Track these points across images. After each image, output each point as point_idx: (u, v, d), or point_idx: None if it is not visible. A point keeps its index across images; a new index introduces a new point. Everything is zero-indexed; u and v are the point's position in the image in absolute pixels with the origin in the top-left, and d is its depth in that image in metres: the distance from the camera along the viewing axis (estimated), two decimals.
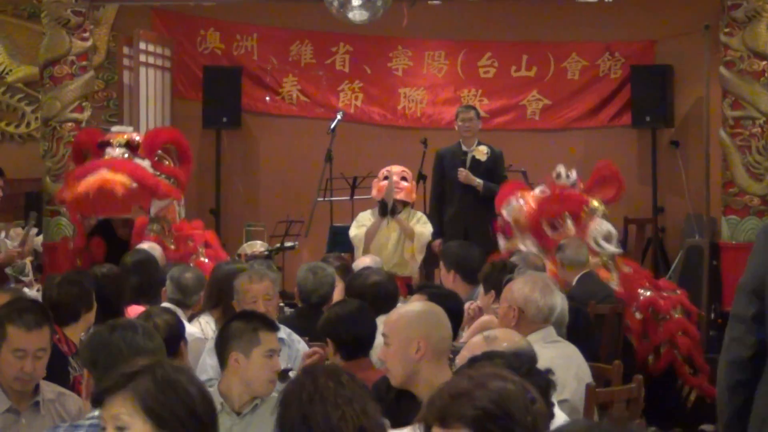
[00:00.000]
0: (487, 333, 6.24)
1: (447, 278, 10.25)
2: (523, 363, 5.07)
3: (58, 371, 6.92)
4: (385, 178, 13.47)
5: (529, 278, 8.12)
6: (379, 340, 7.09)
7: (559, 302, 7.84)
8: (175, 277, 9.34)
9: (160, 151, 12.86)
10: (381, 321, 6.90)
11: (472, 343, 6.07)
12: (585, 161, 17.44)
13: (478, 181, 14.06)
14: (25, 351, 6.32)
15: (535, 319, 7.46)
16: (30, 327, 6.37)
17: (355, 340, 7.06)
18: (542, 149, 17.36)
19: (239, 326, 6.72)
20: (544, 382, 5.01)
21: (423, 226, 13.25)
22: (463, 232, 13.62)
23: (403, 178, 13.51)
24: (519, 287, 7.87)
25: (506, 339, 6.03)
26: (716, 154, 15.52)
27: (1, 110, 17.70)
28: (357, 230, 13.28)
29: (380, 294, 8.87)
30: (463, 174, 14.09)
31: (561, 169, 13.11)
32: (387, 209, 13.13)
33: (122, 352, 5.32)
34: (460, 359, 5.84)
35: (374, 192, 13.67)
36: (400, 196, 13.25)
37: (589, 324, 10.10)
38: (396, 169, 13.68)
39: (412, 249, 13.18)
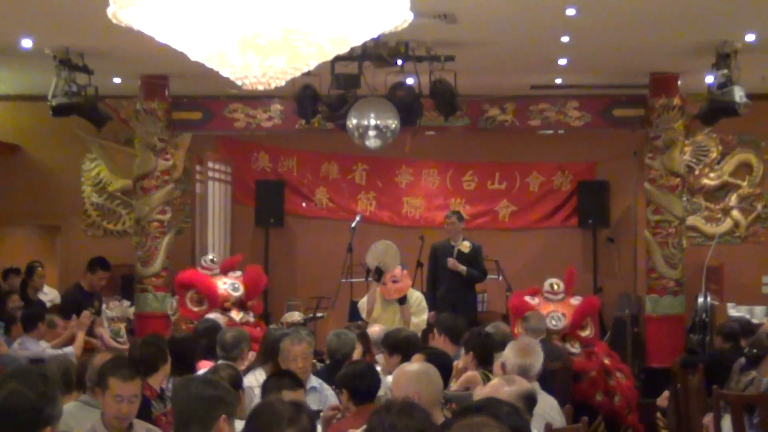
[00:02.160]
0: (505, 378, 6.32)
1: (438, 341, 10.19)
2: (515, 416, 5.05)
3: (144, 410, 6.92)
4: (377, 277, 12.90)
5: (515, 342, 8.19)
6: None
7: (540, 362, 7.89)
8: (219, 338, 9.34)
9: None
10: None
11: (493, 385, 6.12)
12: (542, 253, 17.50)
13: (462, 268, 14.08)
14: (122, 397, 6.33)
15: (512, 372, 7.46)
16: (126, 378, 6.38)
17: (364, 390, 7.05)
18: (511, 244, 17.38)
19: (270, 385, 6.88)
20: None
21: (419, 317, 12.95)
22: (452, 305, 13.59)
23: (395, 281, 12.85)
24: (507, 347, 7.96)
25: (519, 382, 6.11)
26: (642, 248, 15.58)
27: (104, 212, 17.75)
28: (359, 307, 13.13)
29: (410, 344, 8.98)
30: (451, 262, 14.11)
31: (553, 282, 13.11)
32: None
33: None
34: (484, 395, 5.92)
35: (385, 294, 12.88)
36: (396, 297, 12.92)
37: (545, 377, 10.07)
38: (388, 275, 12.86)
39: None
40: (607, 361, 12.37)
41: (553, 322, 12.52)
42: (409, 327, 12.61)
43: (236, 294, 12.99)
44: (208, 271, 13.27)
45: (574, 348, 12.62)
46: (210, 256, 13.58)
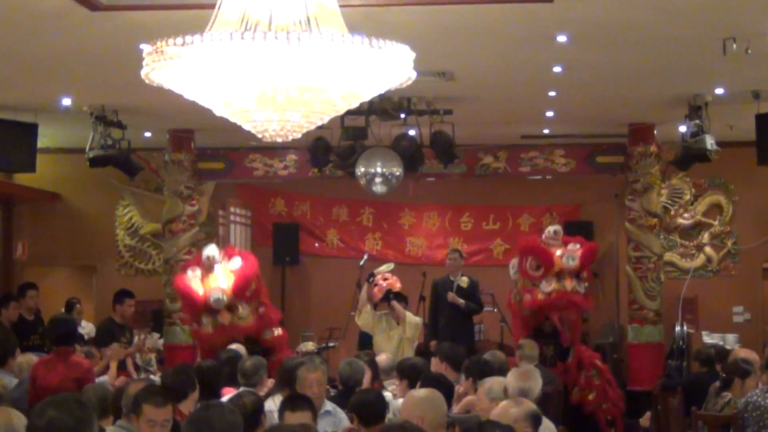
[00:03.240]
0: (513, 399, 6.27)
1: (440, 367, 10.10)
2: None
3: None
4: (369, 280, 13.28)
5: (515, 369, 8.16)
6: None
7: (539, 386, 7.84)
8: (239, 366, 9.25)
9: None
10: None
11: (502, 405, 6.07)
12: None
13: (461, 301, 14.03)
14: (155, 421, 6.27)
15: (513, 396, 7.42)
16: (158, 404, 6.33)
17: (372, 415, 7.01)
18: (505, 279, 17.21)
19: (281, 407, 6.82)
20: None
21: (413, 318, 13.17)
22: (451, 335, 13.53)
23: (385, 279, 13.20)
24: (509, 374, 7.94)
25: (526, 403, 6.06)
26: (623, 282, 15.56)
27: (136, 253, 17.72)
28: (358, 321, 13.28)
29: (417, 371, 8.92)
30: (451, 296, 14.06)
31: (553, 229, 12.74)
32: (389, 296, 13.07)
33: (214, 424, 5.31)
34: (493, 416, 5.89)
35: (377, 293, 13.18)
36: (384, 291, 13.08)
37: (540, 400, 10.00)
38: (378, 275, 13.32)
39: (404, 345, 13.01)
40: (599, 363, 12.44)
41: (571, 262, 12.28)
42: (404, 318, 12.83)
43: (220, 304, 11.56)
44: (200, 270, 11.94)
45: (581, 287, 12.39)
46: (208, 253, 12.39)
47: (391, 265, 13.32)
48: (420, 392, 6.63)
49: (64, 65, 11.04)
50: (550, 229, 12.73)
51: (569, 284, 12.22)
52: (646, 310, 14.76)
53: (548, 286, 12.27)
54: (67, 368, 9.69)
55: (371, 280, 13.14)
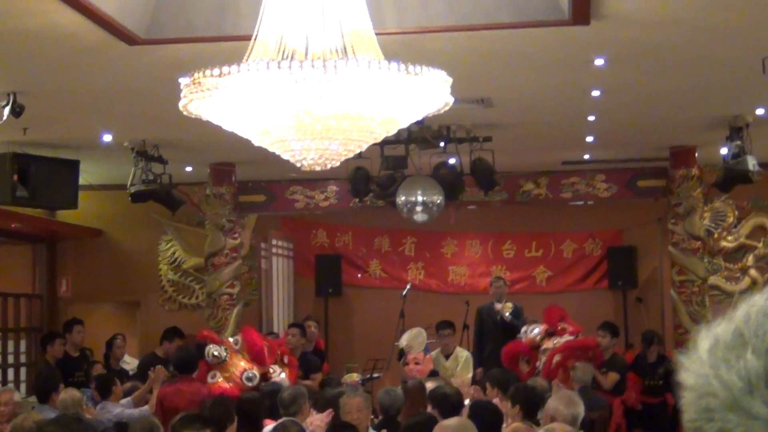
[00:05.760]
0: (548, 426, 6.19)
1: (492, 393, 10.02)
2: None
3: None
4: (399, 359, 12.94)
5: (559, 394, 8.08)
6: None
7: (584, 410, 7.75)
8: (279, 397, 9.18)
9: None
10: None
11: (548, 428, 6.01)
12: (577, 315, 17.32)
13: (507, 314, 13.95)
14: None
15: (562, 422, 7.33)
16: None
17: None
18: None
19: None
20: None
21: (464, 375, 12.92)
22: (497, 362, 13.44)
23: (417, 362, 12.58)
24: (551, 400, 7.84)
25: (561, 428, 6.00)
26: (668, 306, 15.46)
27: (179, 288, 17.76)
28: None
29: (449, 399, 8.78)
30: (498, 306, 14.01)
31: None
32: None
33: None
34: None
35: (409, 373, 12.42)
36: (420, 375, 12.76)
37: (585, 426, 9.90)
38: (411, 355, 12.64)
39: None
40: None
41: (535, 332, 12.71)
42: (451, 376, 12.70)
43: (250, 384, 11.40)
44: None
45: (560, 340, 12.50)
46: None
47: (423, 338, 12.96)
48: (451, 422, 6.55)
49: (104, 101, 11.11)
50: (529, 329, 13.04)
51: (548, 344, 12.53)
52: (691, 334, 14.63)
53: (543, 356, 12.53)
54: (191, 393, 10.22)
55: (402, 359, 12.82)
